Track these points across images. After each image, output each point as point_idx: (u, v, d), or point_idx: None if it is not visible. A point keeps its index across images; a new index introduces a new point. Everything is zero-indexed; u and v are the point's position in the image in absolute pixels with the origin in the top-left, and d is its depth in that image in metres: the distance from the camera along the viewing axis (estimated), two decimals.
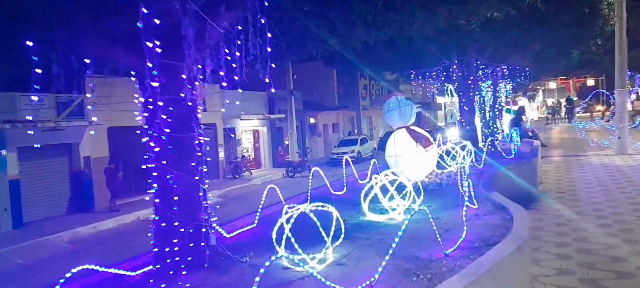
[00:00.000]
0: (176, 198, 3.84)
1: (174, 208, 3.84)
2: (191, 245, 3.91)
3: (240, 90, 5.67)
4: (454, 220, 6.26)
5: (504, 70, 14.90)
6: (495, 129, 14.95)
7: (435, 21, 7.72)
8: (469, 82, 12.53)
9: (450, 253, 4.91)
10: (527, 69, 17.81)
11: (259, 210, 6.71)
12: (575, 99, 40.68)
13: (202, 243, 4.01)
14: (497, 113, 16.25)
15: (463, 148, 12.01)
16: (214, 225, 5.77)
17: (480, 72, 13.63)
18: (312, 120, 34.32)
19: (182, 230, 3.85)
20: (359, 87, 40.36)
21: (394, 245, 4.42)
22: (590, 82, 42.91)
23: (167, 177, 3.84)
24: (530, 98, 39.25)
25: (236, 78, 5.05)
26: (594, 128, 23.66)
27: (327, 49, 8.31)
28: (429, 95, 38.35)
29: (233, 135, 26.69)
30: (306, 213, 4.89)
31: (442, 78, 12.66)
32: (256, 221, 6.62)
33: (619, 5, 14.15)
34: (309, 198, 8.07)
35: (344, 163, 9.52)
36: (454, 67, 12.43)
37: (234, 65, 4.54)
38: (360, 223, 6.53)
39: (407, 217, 5.94)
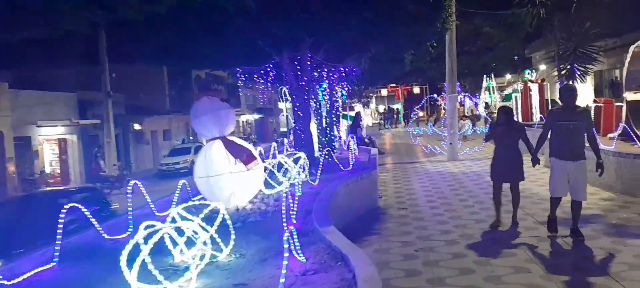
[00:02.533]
0: None
1: None
2: None
3: None
4: (272, 285, 4.01)
5: (342, 73, 13.42)
6: (332, 137, 13.37)
7: None
8: (303, 83, 10.62)
9: None
10: (362, 73, 16.78)
11: None
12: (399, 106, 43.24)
13: None
14: (334, 119, 14.78)
15: (296, 161, 10.03)
16: None
17: (316, 73, 11.85)
18: (137, 126, 30.04)
19: None
20: (195, 90, 37.02)
21: None
22: (416, 89, 45.59)
23: None
24: (365, 104, 40.02)
25: None
26: (427, 134, 24.04)
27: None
28: (261, 100, 36.63)
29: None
30: None
31: (271, 77, 10.56)
32: None
33: (449, 6, 13.58)
34: (56, 253, 5.12)
35: (130, 190, 6.69)
36: (286, 65, 10.41)
37: None
38: None
39: None
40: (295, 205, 6.65)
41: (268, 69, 10.42)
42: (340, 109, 18.39)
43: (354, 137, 15.64)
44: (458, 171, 14.08)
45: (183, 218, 4.92)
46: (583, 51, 15.34)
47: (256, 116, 48.22)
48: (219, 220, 5.13)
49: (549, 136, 6.84)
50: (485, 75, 39.23)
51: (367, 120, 38.32)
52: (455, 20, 14.21)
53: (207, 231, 4.94)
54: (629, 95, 11.39)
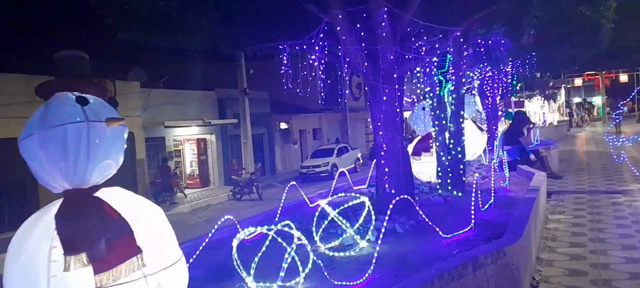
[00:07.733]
0: None
1: None
2: None
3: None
4: None
5: (479, 47, 7.74)
6: (459, 151, 7.69)
7: None
8: (379, 63, 5.46)
9: None
10: (531, 52, 10.65)
11: None
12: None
13: None
14: (476, 120, 9.09)
15: (356, 211, 5.02)
16: None
17: (424, 47, 6.51)
18: (283, 125, 27.47)
19: None
20: (353, 85, 33.42)
21: None
22: (624, 77, 34.06)
23: None
24: (549, 98, 30.94)
25: None
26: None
27: None
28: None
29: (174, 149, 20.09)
30: None
31: (322, 51, 5.59)
32: None
33: None
34: None
35: None
36: (341, 29, 5.37)
37: None
38: None
39: None
40: None
41: (315, 39, 5.55)
42: (498, 105, 12.35)
43: (512, 149, 9.72)
44: None
45: None
46: None
47: None
48: None
49: None
50: None
51: (552, 117, 29.51)
52: None
53: None
54: None
